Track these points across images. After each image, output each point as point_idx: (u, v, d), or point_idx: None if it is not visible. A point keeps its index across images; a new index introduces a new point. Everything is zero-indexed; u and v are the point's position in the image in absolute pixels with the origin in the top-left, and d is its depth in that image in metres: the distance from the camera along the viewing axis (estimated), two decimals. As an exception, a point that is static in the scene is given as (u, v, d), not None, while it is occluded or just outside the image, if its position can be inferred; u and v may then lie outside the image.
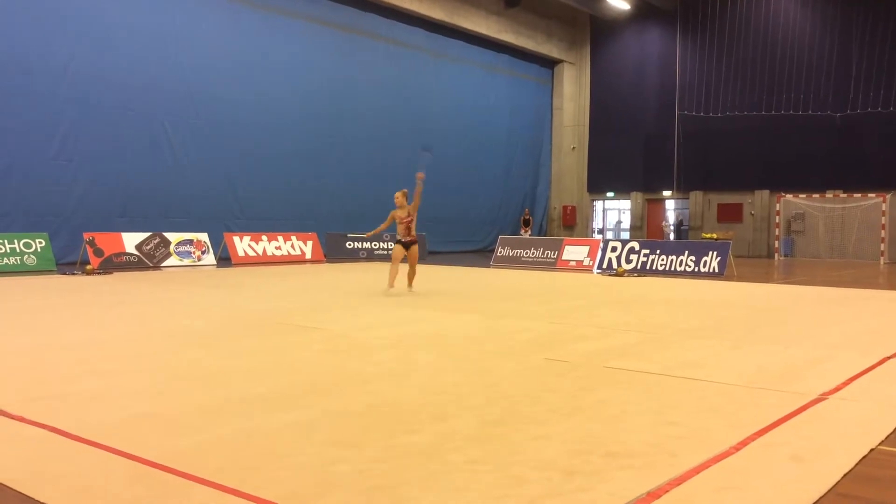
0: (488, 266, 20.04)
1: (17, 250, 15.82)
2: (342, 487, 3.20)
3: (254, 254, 20.04)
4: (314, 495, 3.11)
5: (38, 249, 16.14)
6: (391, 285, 11.82)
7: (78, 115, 18.02)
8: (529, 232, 29.36)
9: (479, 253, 27.84)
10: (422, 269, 18.65)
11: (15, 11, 16.98)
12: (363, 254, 22.24)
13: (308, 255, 21.21)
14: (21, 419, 4.23)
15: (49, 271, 15.83)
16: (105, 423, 4.19)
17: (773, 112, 28.07)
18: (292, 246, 21.01)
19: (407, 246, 11.95)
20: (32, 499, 3.06)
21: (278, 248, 20.65)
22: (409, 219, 11.85)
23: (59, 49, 17.64)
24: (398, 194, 11.98)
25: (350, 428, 4.13)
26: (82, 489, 3.18)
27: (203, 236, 19.03)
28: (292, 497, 3.08)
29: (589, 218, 33.60)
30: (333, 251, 22.10)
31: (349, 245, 22.33)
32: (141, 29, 19.14)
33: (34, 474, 3.35)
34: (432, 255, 24.22)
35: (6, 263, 15.51)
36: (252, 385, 5.20)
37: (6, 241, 15.75)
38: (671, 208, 31.93)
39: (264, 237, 20.48)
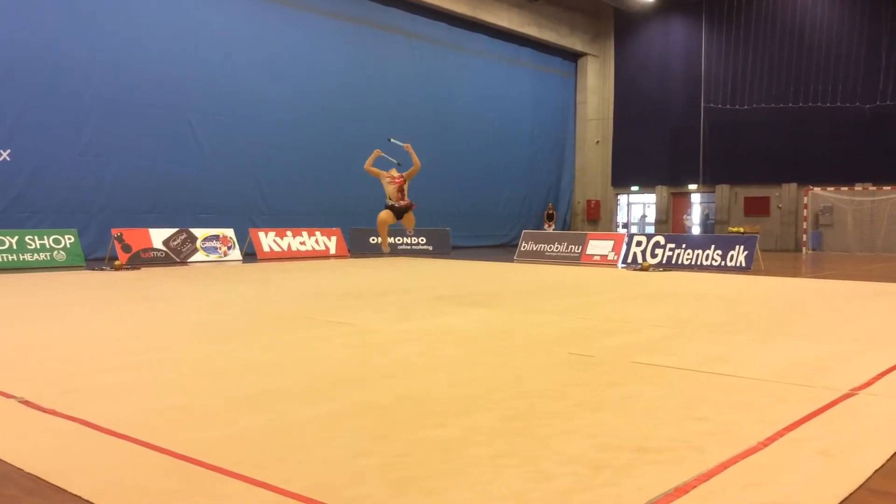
0: (512, 261, 20.01)
1: (47, 246, 16.06)
2: (370, 480, 3.22)
3: (279, 249, 20.17)
4: (342, 487, 3.13)
5: (68, 245, 16.37)
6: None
7: (105, 111, 18.24)
8: (553, 226, 29.27)
9: (502, 248, 27.80)
10: (445, 265, 18.73)
11: (44, 9, 17.20)
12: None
13: (332, 251, 21.30)
14: (53, 412, 4.30)
15: (78, 267, 16.06)
16: (135, 416, 4.25)
17: (800, 104, 27.69)
18: (316, 241, 21.11)
19: (399, 213, 10.70)
20: (66, 491, 3.11)
21: (303, 243, 20.76)
22: (402, 179, 10.63)
23: (87, 46, 17.86)
24: (392, 171, 10.87)
25: (377, 421, 4.15)
26: (114, 482, 3.23)
27: (229, 232, 19.19)
28: (321, 489, 3.10)
29: (613, 212, 33.40)
30: (357, 246, 22.18)
31: (373, 240, 22.38)
32: (167, 25, 19.32)
33: (67, 467, 3.40)
34: (456, 250, 24.22)
35: (36, 259, 15.76)
36: (279, 378, 5.24)
37: (36, 237, 16.00)
38: (697, 202, 31.64)
39: (289, 233, 20.61)
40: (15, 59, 16.71)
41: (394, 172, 10.65)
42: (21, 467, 3.38)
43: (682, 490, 3.11)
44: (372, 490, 3.10)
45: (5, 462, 3.45)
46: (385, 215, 10.53)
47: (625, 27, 32.47)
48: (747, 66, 28.85)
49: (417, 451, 3.61)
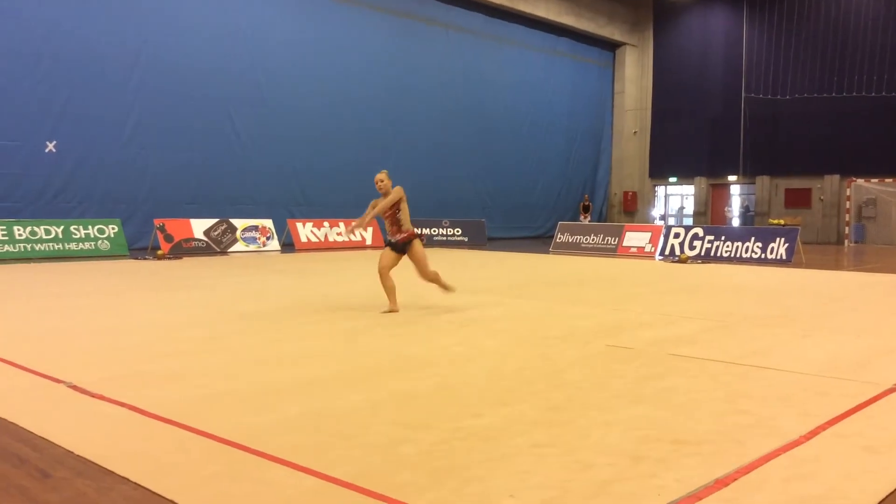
0: (547, 252, 19.94)
1: (92, 236, 16.42)
2: (411, 467, 3.27)
3: (316, 240, 20.35)
4: (383, 474, 3.18)
5: (111, 235, 16.72)
6: (393, 307, 8.15)
7: (148, 103, 18.57)
8: (589, 218, 29.08)
9: (537, 239, 27.70)
10: (481, 256, 18.72)
11: (88, 2, 17.54)
12: (423, 240, 22.31)
13: (368, 241, 21.44)
14: (101, 397, 4.42)
15: (122, 256, 16.39)
16: (181, 401, 4.35)
17: (843, 94, 27.09)
18: (353, 232, 21.24)
19: (398, 248, 8.29)
20: (114, 473, 3.20)
21: (339, 234, 20.92)
22: (395, 209, 8.30)
23: (131, 38, 18.18)
24: (380, 175, 8.45)
25: (416, 410, 4.20)
26: (161, 465, 3.31)
27: (268, 222, 19.42)
28: (362, 476, 3.15)
29: (650, 204, 33.06)
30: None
31: (409, 231, 22.44)
32: (208, 17, 19.58)
33: (115, 451, 3.50)
34: (491, 242, 24.22)
35: (81, 248, 16.12)
36: (319, 367, 5.32)
37: (81, 227, 16.37)
38: (736, 193, 31.18)
39: (326, 223, 20.78)
40: (60, 53, 17.07)
41: (384, 202, 8.32)
42: (72, 450, 3.48)
43: (723, 482, 3.10)
44: (413, 477, 3.14)
45: (56, 445, 3.56)
46: (386, 258, 8.28)
47: (664, 16, 32.04)
48: (789, 55, 28.30)
49: (457, 440, 3.64)
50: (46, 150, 16.98)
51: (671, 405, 4.33)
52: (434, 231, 22.55)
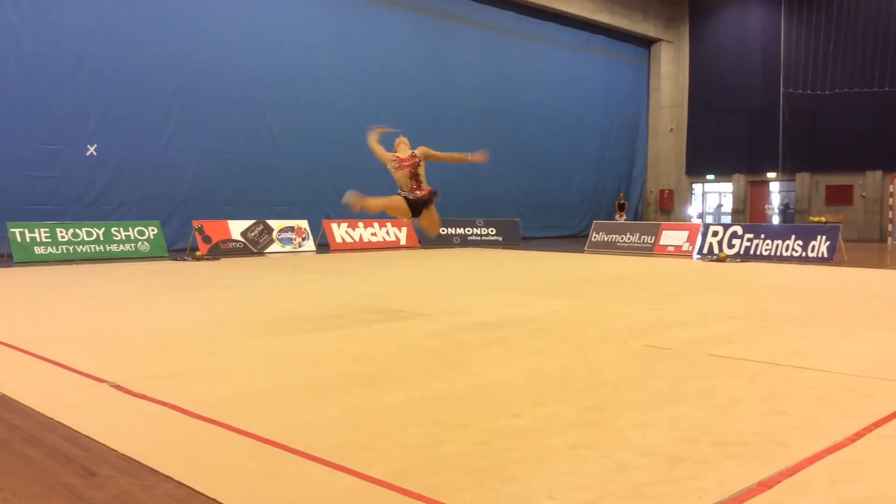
0: (582, 251, 19.82)
1: (132, 237, 16.71)
2: (449, 467, 3.27)
3: (351, 240, 20.47)
4: (422, 474, 3.19)
5: (151, 236, 17.00)
6: (359, 208, 7.66)
7: (187, 106, 18.84)
8: (624, 217, 28.84)
9: (572, 238, 27.54)
10: (515, 255, 18.68)
11: (128, 6, 17.86)
12: (457, 240, 22.38)
13: (403, 242, 21.50)
14: (143, 396, 4.49)
15: (161, 257, 16.65)
16: (220, 400, 4.41)
17: (886, 88, 26.47)
18: (387, 232, 21.34)
19: (416, 207, 7.55)
20: (158, 472, 3.25)
21: (374, 234, 21.02)
22: (414, 161, 7.64)
23: (169, 42, 18.46)
24: (401, 140, 7.98)
25: (454, 410, 4.20)
26: (202, 463, 3.36)
27: (303, 223, 19.59)
28: (401, 475, 3.16)
29: (687, 202, 32.66)
30: (427, 237, 22.24)
31: (443, 231, 22.48)
32: (244, 21, 19.80)
33: (157, 448, 3.56)
34: (525, 241, 24.14)
35: (122, 250, 16.42)
36: (357, 366, 5.35)
37: (121, 229, 16.66)
38: (776, 191, 30.67)
39: (360, 224, 20.88)
40: (100, 57, 17.40)
41: (400, 151, 7.74)
42: (115, 448, 3.55)
43: (766, 485, 3.06)
44: (451, 477, 3.15)
45: (100, 443, 3.63)
46: (399, 204, 7.57)
47: (700, 11, 31.61)
48: (829, 48, 27.73)
49: (495, 440, 3.64)
50: (87, 154, 17.32)
51: (711, 406, 4.27)
52: (468, 231, 22.54)
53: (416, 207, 7.50)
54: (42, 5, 16.57)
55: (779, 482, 3.09)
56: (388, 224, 21.50)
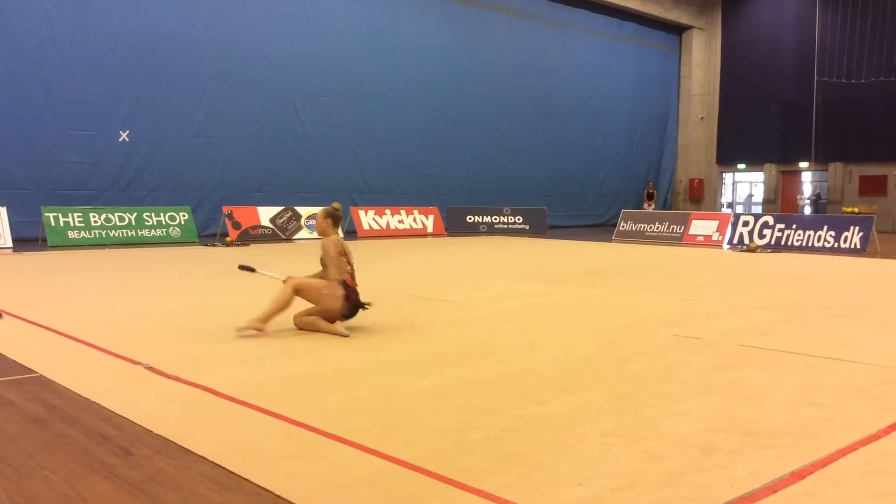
0: (610, 241, 19.70)
1: (163, 223, 16.92)
2: (478, 452, 3.29)
3: (378, 227, 20.54)
4: (451, 458, 3.21)
5: (182, 222, 17.19)
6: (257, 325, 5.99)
7: (217, 93, 19.00)
8: (653, 206, 28.58)
9: (599, 227, 27.38)
10: (542, 244, 18.63)
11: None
12: (483, 228, 22.35)
13: (430, 229, 21.53)
14: (176, 378, 4.56)
15: (192, 243, 16.83)
16: (252, 383, 4.46)
17: (924, 76, 25.93)
18: (414, 220, 21.38)
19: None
20: (192, 452, 3.30)
21: (401, 221, 21.06)
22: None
23: (201, 30, 18.62)
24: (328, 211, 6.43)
25: (482, 396, 4.21)
26: (236, 445, 3.41)
27: (331, 210, 19.68)
28: (431, 459, 3.18)
29: (717, 191, 32.28)
30: (454, 225, 22.31)
31: (470, 219, 22.48)
32: (273, 8, 19.90)
33: (191, 430, 3.61)
34: (552, 230, 24.05)
35: (154, 235, 16.63)
36: (385, 352, 5.38)
37: (153, 214, 16.88)
38: (808, 180, 30.21)
39: (388, 211, 20.94)
40: (133, 44, 17.59)
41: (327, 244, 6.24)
42: (151, 429, 3.61)
43: (798, 475, 3.03)
44: (480, 462, 3.16)
45: (136, 424, 3.70)
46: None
47: (733, -2, 31.17)
48: (864, 36, 27.16)
49: (523, 427, 3.65)
50: (120, 140, 17.55)
51: (742, 397, 4.24)
52: (495, 219, 22.50)
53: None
54: (76, -7, 16.80)
55: (811, 473, 3.07)
56: (416, 212, 21.54)
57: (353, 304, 6.04)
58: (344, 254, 6.19)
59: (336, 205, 6.53)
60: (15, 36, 16.06)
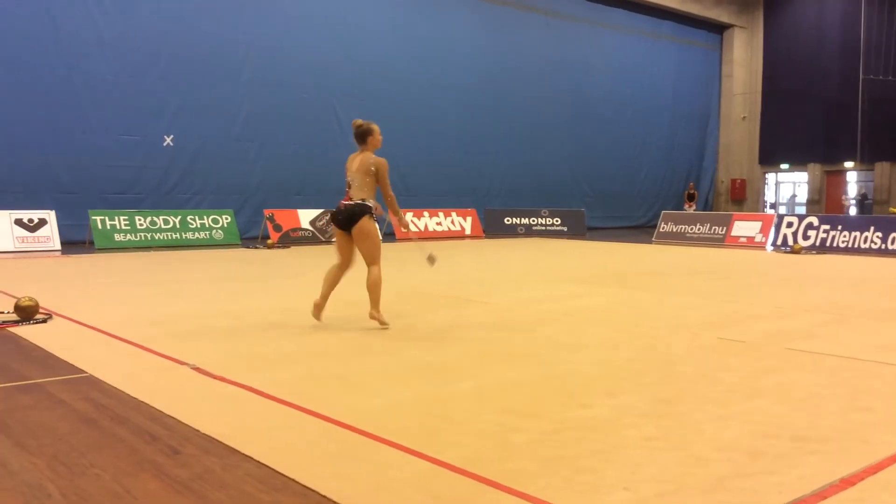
0: (650, 242, 19.50)
1: (206, 225, 17.20)
2: (521, 455, 3.28)
3: (416, 229, 20.59)
4: (494, 461, 3.21)
5: (225, 225, 17.46)
6: (316, 304, 6.54)
7: (258, 97, 19.28)
8: (694, 207, 28.21)
9: (638, 229, 27.11)
10: (581, 246, 18.52)
11: (203, 3, 18.35)
12: (521, 230, 22.29)
13: (468, 231, 21.54)
14: (222, 378, 4.63)
15: (234, 245, 17.09)
16: (296, 383, 4.51)
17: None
18: (452, 222, 21.41)
19: (344, 221, 6.42)
20: (238, 451, 3.35)
21: (439, 223, 21.11)
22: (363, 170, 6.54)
23: (241, 34, 18.91)
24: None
25: (524, 398, 4.20)
26: (281, 445, 3.45)
27: (370, 212, 19.82)
28: (473, 461, 3.19)
29: (760, 192, 31.75)
30: (492, 227, 22.29)
31: (507, 220, 22.44)
32: (311, 11, 20.12)
33: (237, 429, 3.67)
34: (591, 231, 23.88)
35: (196, 238, 16.91)
36: (426, 354, 5.40)
37: (196, 217, 17.17)
38: (853, 180, 29.56)
39: (426, 213, 21.00)
40: (177, 50, 17.92)
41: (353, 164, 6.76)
42: (198, 429, 3.67)
43: (849, 482, 2.98)
44: (523, 465, 3.16)
45: (184, 423, 3.76)
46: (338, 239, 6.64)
47: (775, -5, 30.65)
48: (914, 32, 26.51)
49: (566, 430, 3.63)
50: (164, 144, 17.89)
51: (789, 401, 4.17)
52: (532, 221, 22.42)
53: (344, 221, 6.44)
54: (121, 1, 17.14)
55: (862, 479, 3.01)
56: (454, 214, 21.57)
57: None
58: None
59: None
60: (65, 45, 16.48)
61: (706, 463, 3.18)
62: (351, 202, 6.39)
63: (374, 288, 6.36)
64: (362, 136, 6.66)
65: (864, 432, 3.61)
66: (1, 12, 15.72)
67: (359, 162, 6.58)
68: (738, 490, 2.89)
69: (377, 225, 6.54)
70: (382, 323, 6.36)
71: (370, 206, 6.40)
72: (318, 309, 6.48)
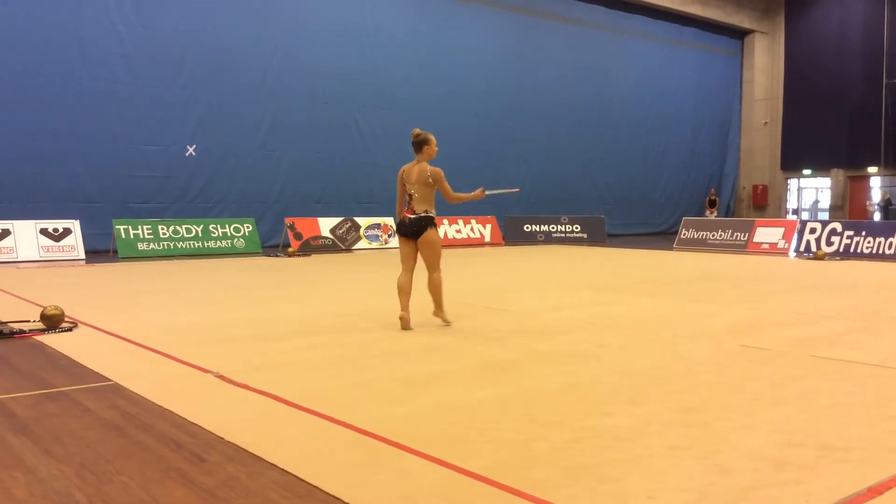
0: (671, 249, 19.39)
1: (228, 234, 17.33)
2: (544, 463, 3.28)
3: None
4: (517, 469, 3.20)
5: (246, 233, 17.59)
6: (402, 318, 6.79)
7: (279, 107, 19.43)
8: (715, 213, 28.01)
9: (659, 236, 26.96)
10: (601, 253, 18.43)
11: (224, 10, 18.53)
12: (541, 237, 22.25)
13: (487, 238, 21.53)
14: (245, 386, 4.66)
15: (255, 253, 17.20)
16: (318, 391, 4.54)
17: None
18: (472, 229, 21.42)
19: (411, 232, 6.93)
20: (263, 459, 3.37)
21: (458, 231, 21.12)
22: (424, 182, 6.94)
23: (263, 45, 19.09)
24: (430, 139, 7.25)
25: (546, 406, 4.20)
26: (304, 453, 3.47)
27: (389, 220, 19.84)
28: (496, 470, 3.18)
29: (782, 198, 31.47)
30: (512, 234, 22.27)
31: (527, 228, 22.41)
32: (332, 21, 20.26)
33: (261, 437, 3.69)
34: (611, 238, 23.77)
35: (219, 246, 17.05)
36: (447, 362, 5.41)
37: (219, 226, 17.31)
38: (877, 186, 29.21)
39: (445, 221, 21.00)
40: (199, 62, 18.12)
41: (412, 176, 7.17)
42: (222, 436, 3.70)
43: (877, 490, 2.94)
44: (546, 474, 3.15)
45: (208, 431, 3.79)
46: (402, 248, 7.24)
47: (796, 2, 30.41)
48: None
49: (589, 438, 3.62)
50: (187, 154, 18.08)
51: (815, 409, 4.13)
52: (552, 227, 22.37)
53: (411, 231, 6.95)
54: (144, 12, 17.38)
55: (890, 488, 2.97)
56: (473, 221, 21.57)
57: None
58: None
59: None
60: (89, 56, 16.71)
61: (731, 472, 3.16)
62: (415, 215, 6.89)
63: (436, 290, 6.95)
64: (419, 145, 7.12)
65: (892, 441, 3.57)
66: (26, 24, 15.98)
67: (417, 173, 7.00)
68: (763, 500, 2.86)
69: (439, 234, 7.14)
70: (445, 321, 6.97)
71: (433, 217, 6.96)
72: (404, 322, 6.79)
